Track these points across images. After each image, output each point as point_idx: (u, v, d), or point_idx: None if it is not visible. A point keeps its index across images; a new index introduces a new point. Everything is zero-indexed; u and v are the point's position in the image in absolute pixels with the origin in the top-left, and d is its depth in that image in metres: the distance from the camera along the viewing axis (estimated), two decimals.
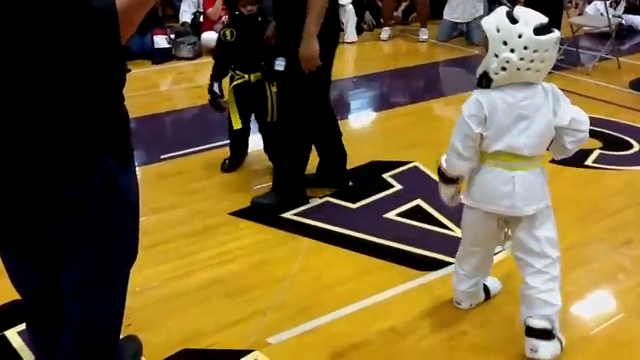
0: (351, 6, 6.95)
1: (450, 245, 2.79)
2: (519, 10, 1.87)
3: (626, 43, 6.81)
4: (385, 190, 3.34)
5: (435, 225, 2.98)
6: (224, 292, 2.49)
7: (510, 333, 2.23)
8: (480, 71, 1.96)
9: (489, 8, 7.88)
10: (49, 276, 1.57)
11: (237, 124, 3.33)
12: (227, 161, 3.55)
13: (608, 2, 6.40)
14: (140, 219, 1.63)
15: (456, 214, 3.03)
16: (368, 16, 7.34)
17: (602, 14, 6.24)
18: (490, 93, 1.95)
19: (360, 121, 4.64)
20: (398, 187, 3.37)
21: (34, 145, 1.34)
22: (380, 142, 4.09)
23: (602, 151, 3.84)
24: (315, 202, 3.20)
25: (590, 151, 3.82)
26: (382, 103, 5.13)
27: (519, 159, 1.99)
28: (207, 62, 3.85)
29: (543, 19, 1.87)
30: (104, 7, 1.31)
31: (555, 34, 1.86)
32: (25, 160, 1.35)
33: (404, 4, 7.40)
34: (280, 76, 2.95)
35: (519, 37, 1.83)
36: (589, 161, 3.71)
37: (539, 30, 1.83)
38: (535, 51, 1.83)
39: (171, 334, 2.25)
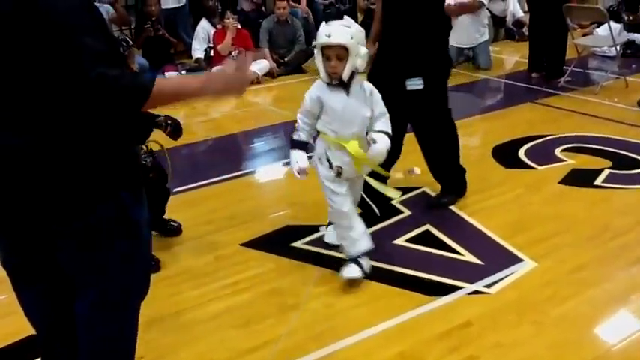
0: None
1: (460, 270, 2.82)
2: None
3: (633, 62, 6.82)
4: (394, 216, 3.37)
5: (444, 250, 2.99)
6: (237, 321, 2.52)
7: (523, 355, 2.23)
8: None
9: (495, 32, 7.99)
10: (60, 306, 1.60)
11: None
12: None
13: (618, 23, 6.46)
14: (153, 252, 1.66)
15: (466, 238, 3.07)
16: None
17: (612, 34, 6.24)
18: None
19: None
20: (407, 212, 3.40)
21: (46, 177, 1.39)
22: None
23: (611, 171, 3.84)
24: (324, 230, 3.22)
25: (599, 171, 3.83)
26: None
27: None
28: None
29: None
30: (140, 82, 1.37)
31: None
32: (36, 191, 1.40)
33: None
34: (417, 93, 3.16)
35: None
36: (598, 181, 3.71)
37: None
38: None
39: None
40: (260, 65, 6.72)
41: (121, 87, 1.33)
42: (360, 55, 2.53)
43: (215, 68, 6.22)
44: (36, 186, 1.40)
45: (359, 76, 2.69)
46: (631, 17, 6.95)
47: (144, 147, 3.00)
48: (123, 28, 7.28)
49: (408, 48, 3.15)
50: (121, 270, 1.55)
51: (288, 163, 4.18)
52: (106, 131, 1.43)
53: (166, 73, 6.03)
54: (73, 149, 1.39)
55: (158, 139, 2.99)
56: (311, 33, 7.66)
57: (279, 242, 3.14)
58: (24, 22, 1.28)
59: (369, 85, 2.69)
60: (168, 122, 3.01)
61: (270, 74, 6.80)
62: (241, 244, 3.14)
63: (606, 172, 3.83)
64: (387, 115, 2.69)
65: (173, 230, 3.27)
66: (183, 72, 6.23)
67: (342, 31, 2.49)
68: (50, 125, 1.36)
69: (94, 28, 1.34)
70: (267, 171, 4.27)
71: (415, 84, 3.14)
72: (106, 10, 7.01)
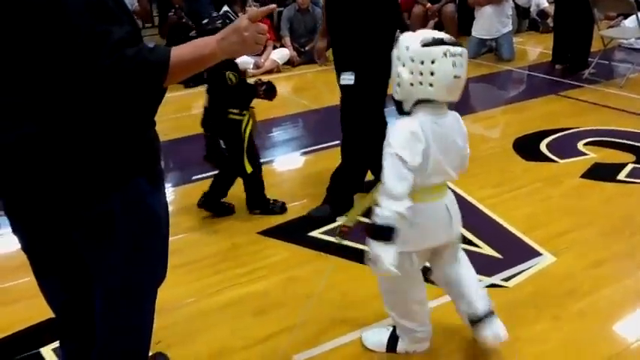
0: None
1: (478, 263, 2.77)
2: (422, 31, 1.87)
3: None
4: None
5: (462, 242, 2.96)
6: (252, 309, 2.53)
7: (540, 350, 2.21)
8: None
9: (519, 23, 7.88)
10: (79, 293, 1.62)
11: (250, 168, 3.20)
12: (280, 205, 3.38)
13: None
14: (172, 238, 1.67)
15: (484, 231, 3.04)
16: (397, 33, 7.39)
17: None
18: (415, 119, 1.86)
19: None
20: None
21: (61, 165, 1.39)
22: None
23: (635, 165, 3.77)
24: (343, 220, 3.22)
25: (623, 165, 3.77)
26: None
27: (444, 187, 1.98)
28: None
29: (437, 35, 1.82)
30: (157, 55, 1.34)
31: (444, 46, 1.78)
32: (50, 179, 1.40)
33: (432, 22, 7.43)
34: (348, 89, 3.03)
35: (407, 49, 1.82)
36: (622, 175, 3.65)
37: (427, 43, 1.78)
38: (422, 62, 1.78)
39: (200, 350, 2.29)
40: (281, 54, 6.72)
41: (138, 63, 1.30)
42: None
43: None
44: (51, 174, 1.40)
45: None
46: None
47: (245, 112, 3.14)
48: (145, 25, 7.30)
49: (343, 41, 3.03)
50: (136, 257, 1.54)
51: (306, 153, 4.25)
52: (123, 116, 1.42)
53: None
54: (89, 136, 1.38)
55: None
56: None
57: (296, 231, 3.15)
58: (41, 10, 1.28)
59: None
60: (261, 83, 3.14)
61: (290, 63, 6.79)
62: (258, 233, 3.15)
63: (630, 166, 3.76)
64: None
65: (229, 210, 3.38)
66: None
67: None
68: (66, 112, 1.35)
69: (117, 15, 1.33)
70: (285, 160, 4.27)
71: (347, 78, 2.98)
72: (129, 1, 7.06)
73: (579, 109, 4.99)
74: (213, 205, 3.34)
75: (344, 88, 3.06)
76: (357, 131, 3.15)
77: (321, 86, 6.33)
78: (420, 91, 1.82)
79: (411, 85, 1.82)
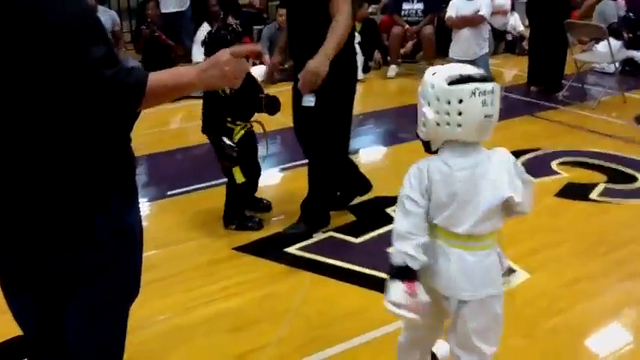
0: (356, 45, 7.08)
1: None
2: (446, 66, 1.71)
3: (631, 79, 6.84)
4: (388, 224, 3.35)
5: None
6: (229, 325, 2.51)
7: None
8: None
9: (496, 45, 8.03)
10: (50, 312, 1.59)
11: (242, 177, 3.23)
12: (257, 221, 3.38)
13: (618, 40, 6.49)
14: (145, 254, 1.65)
15: None
16: (377, 54, 7.48)
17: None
18: (431, 161, 1.73)
19: (366, 157, 4.69)
20: None
21: (42, 181, 1.37)
22: (384, 178, 4.11)
23: (607, 185, 3.84)
24: (319, 236, 3.23)
25: (595, 185, 3.83)
26: (388, 140, 5.18)
27: (456, 237, 1.71)
28: None
29: (464, 71, 1.64)
30: (135, 77, 1.34)
31: (472, 84, 1.61)
32: (31, 198, 1.38)
33: (410, 43, 7.52)
34: (310, 111, 3.00)
35: (432, 88, 1.66)
36: (594, 195, 3.72)
37: (454, 81, 1.62)
38: (448, 102, 1.63)
39: None
40: (260, 71, 6.73)
41: (116, 84, 1.31)
42: None
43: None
44: (32, 191, 1.38)
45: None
46: (631, 35, 7.01)
47: (248, 124, 3.21)
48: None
49: (302, 61, 2.84)
50: (116, 272, 1.53)
51: (285, 169, 4.25)
52: (102, 133, 1.40)
53: None
54: (73, 153, 1.37)
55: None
56: None
57: (272, 247, 3.13)
58: (26, 28, 1.27)
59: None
60: (264, 96, 3.19)
61: (269, 80, 6.81)
62: (234, 249, 3.13)
63: (602, 186, 3.83)
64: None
65: (264, 207, 3.53)
66: None
67: None
68: (49, 129, 1.34)
69: (95, 35, 1.34)
70: (262, 176, 4.26)
71: (308, 100, 2.95)
72: (111, 17, 7.04)
73: (554, 129, 5.08)
74: (239, 218, 3.32)
75: (305, 110, 3.01)
76: (321, 152, 3.15)
77: None
78: (447, 131, 1.66)
79: (437, 125, 1.66)
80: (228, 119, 3.18)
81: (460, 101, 1.61)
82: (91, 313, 1.55)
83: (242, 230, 3.30)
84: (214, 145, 3.20)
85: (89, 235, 1.44)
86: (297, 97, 3.08)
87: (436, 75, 1.66)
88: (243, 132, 3.21)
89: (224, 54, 1.43)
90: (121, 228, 1.50)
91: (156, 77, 1.36)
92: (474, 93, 1.60)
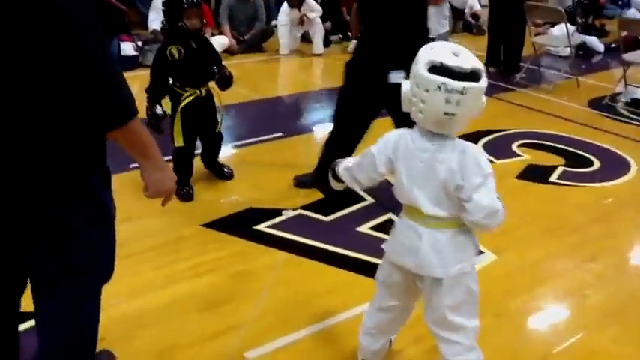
0: (319, 19, 7.01)
1: None
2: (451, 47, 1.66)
3: (583, 63, 7.05)
4: (357, 203, 3.37)
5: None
6: (200, 304, 2.47)
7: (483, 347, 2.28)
8: None
9: (454, 25, 8.09)
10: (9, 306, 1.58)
11: (181, 142, 3.24)
12: (187, 190, 3.37)
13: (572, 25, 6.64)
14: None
15: None
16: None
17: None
18: (407, 132, 1.75)
19: (325, 132, 4.65)
20: (370, 200, 3.41)
21: (19, 168, 1.33)
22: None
23: (565, 168, 3.96)
24: (288, 214, 3.20)
25: (554, 168, 3.95)
26: None
27: (424, 216, 1.72)
28: None
29: (452, 60, 1.58)
30: (132, 103, 1.40)
31: (442, 78, 1.55)
32: (11, 182, 1.34)
33: None
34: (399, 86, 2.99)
35: (416, 64, 1.63)
36: (553, 178, 3.83)
37: (432, 67, 1.57)
38: (417, 86, 1.61)
39: (146, 347, 2.21)
40: (219, 42, 6.58)
41: (121, 96, 1.36)
42: None
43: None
44: (12, 179, 1.34)
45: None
46: (584, 20, 7.20)
47: (197, 91, 3.25)
48: None
49: (390, 41, 3.07)
50: (90, 257, 1.51)
51: (244, 145, 4.18)
52: (84, 121, 1.38)
53: (122, 44, 5.82)
54: (53, 135, 1.34)
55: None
56: (272, 12, 7.56)
57: (241, 225, 3.09)
58: (35, 23, 1.23)
59: None
60: (217, 70, 3.27)
61: (229, 52, 6.67)
62: (202, 225, 3.08)
63: (560, 169, 3.95)
64: None
65: (226, 176, 3.59)
66: (139, 43, 6.02)
67: None
68: (35, 118, 1.31)
69: (101, 35, 1.34)
70: (224, 151, 4.18)
71: (397, 77, 2.97)
72: None
73: (512, 111, 5.19)
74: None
75: (394, 86, 3.02)
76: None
77: (261, 76, 6.26)
78: (413, 112, 1.68)
79: (410, 101, 1.67)
80: (177, 84, 3.24)
81: (427, 90, 1.58)
82: (71, 296, 1.51)
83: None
84: (149, 106, 3.20)
85: (70, 218, 1.42)
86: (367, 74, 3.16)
87: (427, 53, 1.61)
88: (191, 98, 3.24)
89: (171, 183, 1.65)
90: (97, 208, 1.49)
91: (140, 124, 1.47)
92: (439, 87, 1.56)
